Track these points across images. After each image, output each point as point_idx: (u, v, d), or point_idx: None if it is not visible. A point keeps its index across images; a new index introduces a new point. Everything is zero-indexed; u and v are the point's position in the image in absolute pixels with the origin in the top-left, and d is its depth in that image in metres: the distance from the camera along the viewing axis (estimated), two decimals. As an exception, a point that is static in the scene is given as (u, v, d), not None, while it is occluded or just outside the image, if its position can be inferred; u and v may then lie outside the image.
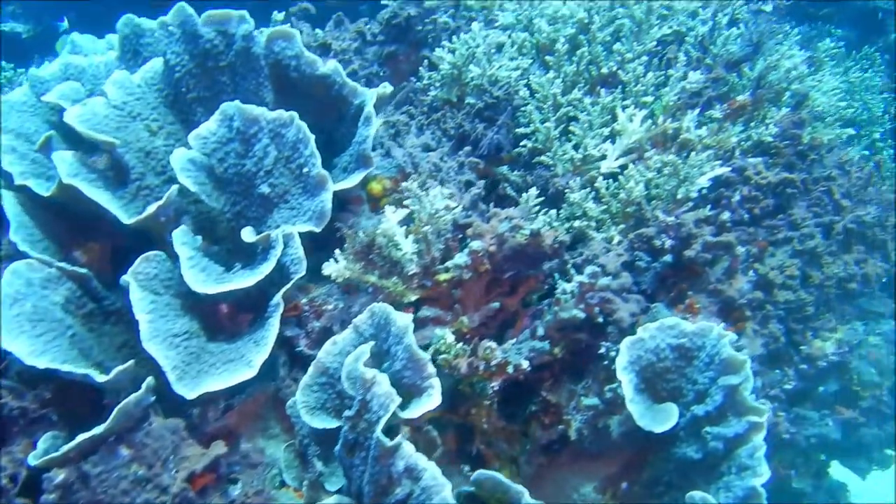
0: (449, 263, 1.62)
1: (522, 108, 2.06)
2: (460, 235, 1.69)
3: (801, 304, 1.77)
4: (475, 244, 1.61)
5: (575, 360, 1.77)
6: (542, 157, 1.99)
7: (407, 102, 2.22)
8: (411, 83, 2.23)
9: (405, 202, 1.68)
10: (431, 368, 1.42)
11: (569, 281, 1.67)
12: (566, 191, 1.88)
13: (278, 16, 2.61)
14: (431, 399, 1.40)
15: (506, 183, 2.08)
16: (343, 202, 1.90)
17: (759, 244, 1.83)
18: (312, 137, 1.79)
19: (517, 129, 2.04)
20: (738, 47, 2.11)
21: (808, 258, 1.86)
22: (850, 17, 4.38)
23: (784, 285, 1.78)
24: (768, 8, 2.56)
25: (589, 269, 1.67)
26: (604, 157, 1.98)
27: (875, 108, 3.45)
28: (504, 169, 2.09)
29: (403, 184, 1.70)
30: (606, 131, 1.98)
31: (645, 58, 2.08)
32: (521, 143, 2.03)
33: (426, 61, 2.20)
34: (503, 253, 1.65)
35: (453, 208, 1.65)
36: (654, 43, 2.10)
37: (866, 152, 3.31)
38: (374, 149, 2.07)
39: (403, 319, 1.45)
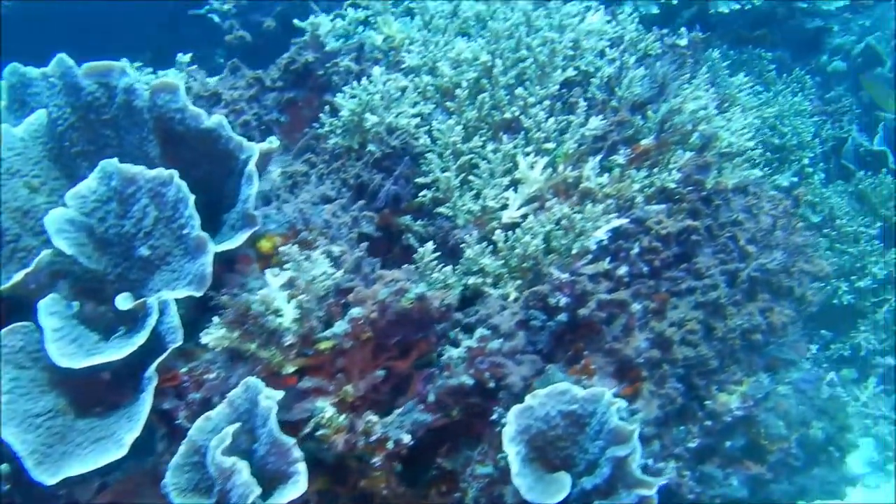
0: (327, 333, 1.54)
1: (424, 156, 1.99)
2: (343, 301, 1.61)
3: (702, 360, 1.72)
4: (355, 311, 1.54)
5: (473, 423, 1.71)
6: (442, 209, 1.93)
7: (308, 150, 2.14)
8: (314, 129, 2.16)
9: (285, 266, 1.61)
10: (297, 453, 1.34)
11: (456, 346, 1.60)
12: (462, 245, 1.81)
13: (184, 57, 2.53)
14: (297, 487, 1.32)
15: (409, 233, 2.01)
16: (231, 262, 1.81)
17: (659, 297, 1.78)
18: (192, 197, 1.71)
19: (417, 179, 1.97)
20: (641, 89, 2.06)
21: (712, 309, 1.81)
22: (785, 38, 4.38)
23: (684, 341, 1.72)
24: (683, 42, 2.53)
25: (478, 333, 1.60)
26: (505, 207, 1.92)
27: (805, 133, 3.44)
28: (407, 219, 2.02)
29: (282, 248, 1.62)
30: (506, 180, 1.92)
31: (547, 102, 2.02)
32: (421, 194, 1.96)
33: (328, 107, 2.12)
34: (387, 318, 1.58)
35: (332, 274, 1.57)
36: (557, 86, 2.05)
37: (795, 179, 3.30)
38: (270, 202, 2.00)
39: (267, 400, 1.37)
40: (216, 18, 5.03)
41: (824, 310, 3.24)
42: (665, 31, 2.55)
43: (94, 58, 2.34)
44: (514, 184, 1.94)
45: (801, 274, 1.97)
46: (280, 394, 1.42)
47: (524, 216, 1.91)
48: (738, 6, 3.67)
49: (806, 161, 3.37)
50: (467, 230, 1.90)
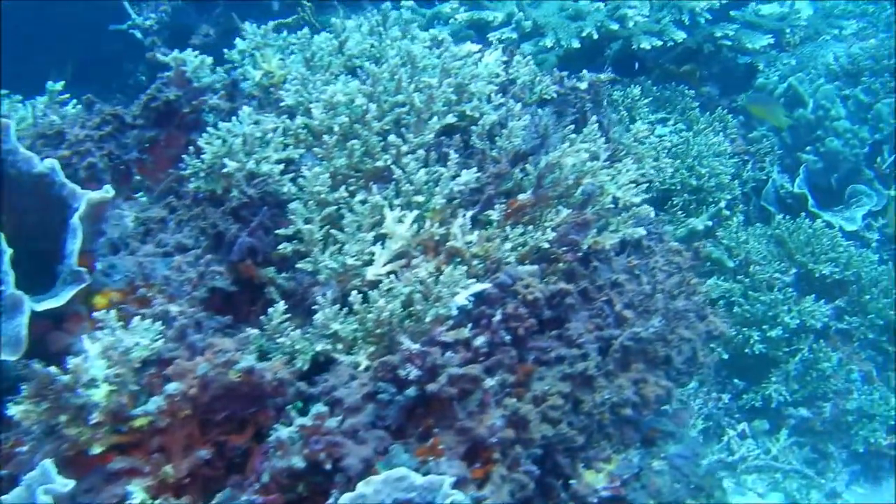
0: (139, 410, 1.40)
1: (289, 206, 1.86)
2: (165, 372, 1.47)
3: (563, 438, 1.60)
4: (171, 387, 1.40)
5: (318, 502, 1.57)
6: (302, 264, 1.80)
7: (171, 193, 2.00)
8: (178, 171, 2.01)
9: (101, 333, 1.46)
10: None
11: (288, 425, 1.47)
12: (315, 306, 1.68)
13: (55, 86, 2.36)
14: None
15: (272, 286, 1.88)
16: (62, 320, 1.66)
17: (524, 369, 1.66)
18: (9, 251, 1.55)
19: (277, 231, 1.84)
20: (523, 139, 1.96)
21: (580, 381, 1.70)
22: (714, 74, 4.34)
23: (545, 417, 1.61)
24: (583, 85, 2.43)
25: (314, 409, 1.47)
26: (371, 264, 1.80)
27: (723, 175, 3.37)
28: (271, 271, 1.88)
29: (96, 313, 1.47)
30: (371, 235, 1.79)
31: (422, 152, 1.90)
32: (281, 246, 1.83)
33: (192, 147, 1.98)
34: (211, 394, 1.44)
35: (149, 344, 1.43)
36: (433, 135, 1.93)
37: (710, 223, 3.23)
38: (118, 250, 1.86)
39: (45, 497, 1.22)
40: (138, 34, 4.86)
41: (738, 358, 3.17)
42: (565, 73, 2.45)
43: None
44: (382, 238, 1.82)
45: (680, 341, 1.87)
46: (69, 484, 1.28)
47: (391, 274, 1.78)
48: (659, 42, 3.61)
49: (723, 204, 3.30)
50: (327, 288, 1.76)
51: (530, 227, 1.85)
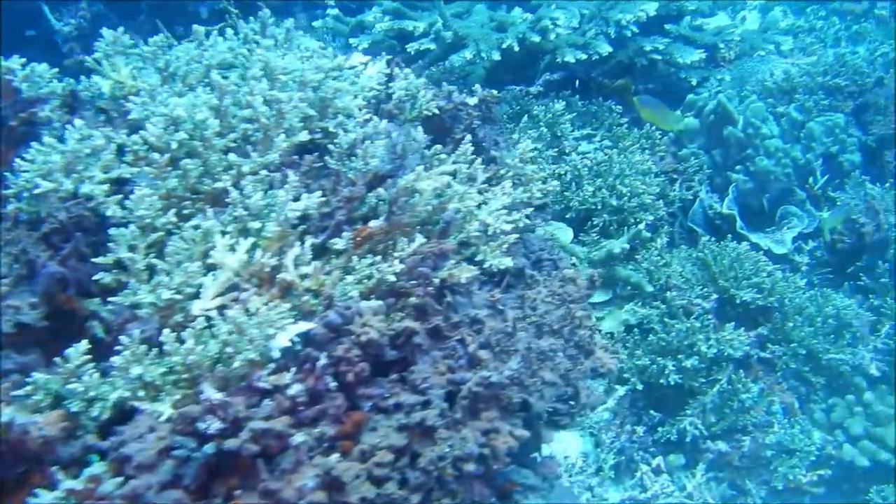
0: None
1: (109, 231, 1.68)
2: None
3: (389, 499, 1.42)
4: None
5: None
6: (118, 298, 1.61)
7: (-7, 214, 1.80)
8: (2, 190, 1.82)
9: None
10: None
11: (53, 488, 1.28)
12: (119, 347, 1.49)
13: None
14: None
15: (95, 321, 1.69)
16: None
17: (353, 419, 1.48)
18: None
19: (94, 259, 1.65)
20: (380, 160, 1.79)
21: (420, 432, 1.52)
22: (652, 90, 4.20)
23: (370, 476, 1.43)
24: (473, 101, 2.27)
25: (88, 470, 1.29)
26: (198, 297, 1.61)
27: (646, 195, 3.22)
28: (95, 303, 1.70)
29: None
30: (196, 266, 1.61)
31: (265, 172, 1.72)
32: (98, 276, 1.64)
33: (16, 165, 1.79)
34: (-38, 453, 1.25)
35: None
36: (277, 155, 1.75)
37: (627, 245, 3.07)
38: (-83, 278, 1.66)
39: None
40: (58, 40, 4.67)
41: (654, 389, 3.02)
42: (454, 88, 2.28)
43: None
44: (213, 269, 1.64)
45: (542, 385, 1.70)
46: None
47: (221, 309, 1.60)
48: (584, 55, 3.46)
49: (642, 225, 3.14)
50: (145, 324, 1.58)
51: (378, 258, 1.67)
